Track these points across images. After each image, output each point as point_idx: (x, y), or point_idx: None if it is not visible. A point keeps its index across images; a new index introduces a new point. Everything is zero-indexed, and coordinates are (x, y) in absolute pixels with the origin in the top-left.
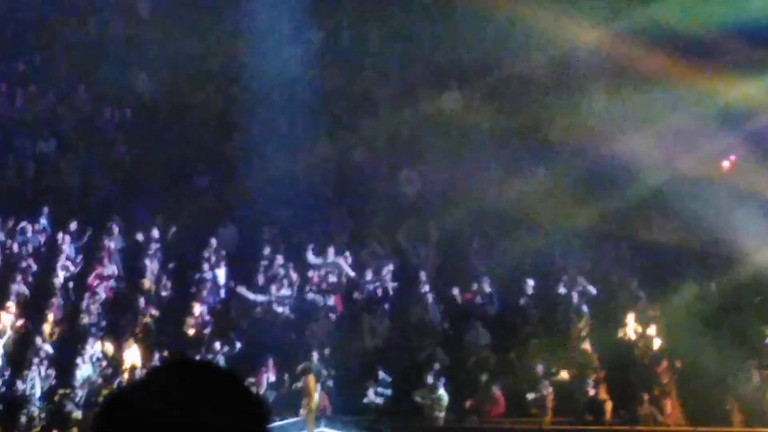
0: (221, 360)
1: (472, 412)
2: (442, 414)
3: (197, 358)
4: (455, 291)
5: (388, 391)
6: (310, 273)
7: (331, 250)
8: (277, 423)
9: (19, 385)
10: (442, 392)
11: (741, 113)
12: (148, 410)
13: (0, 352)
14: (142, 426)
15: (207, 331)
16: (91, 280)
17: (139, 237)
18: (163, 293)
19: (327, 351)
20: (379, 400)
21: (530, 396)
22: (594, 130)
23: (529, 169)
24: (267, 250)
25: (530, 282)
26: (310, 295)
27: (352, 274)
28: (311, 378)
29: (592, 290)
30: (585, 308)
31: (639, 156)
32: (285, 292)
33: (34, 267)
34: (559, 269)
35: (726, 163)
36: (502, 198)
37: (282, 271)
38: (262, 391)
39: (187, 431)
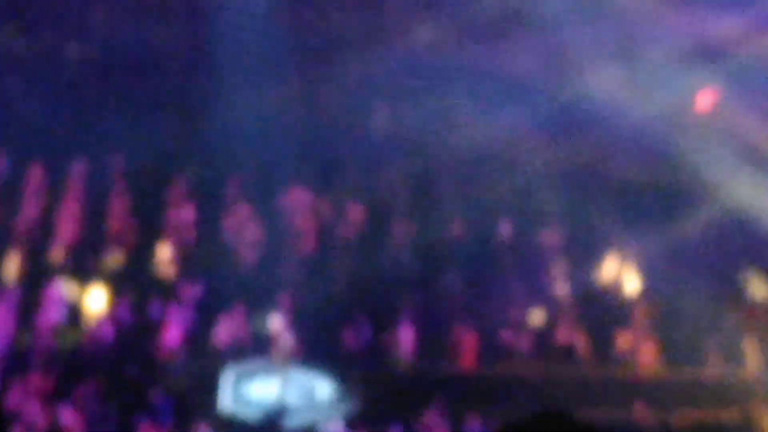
0: (189, 304)
1: (445, 357)
2: (415, 358)
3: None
4: (428, 233)
5: (359, 336)
6: (280, 215)
7: (300, 192)
8: (247, 367)
9: None
10: (411, 337)
11: (718, 47)
12: None
13: None
14: None
15: (174, 272)
16: (56, 219)
17: (104, 177)
18: (129, 234)
19: (296, 295)
20: (350, 345)
21: (504, 340)
22: (568, 66)
23: (501, 107)
24: (234, 192)
25: (504, 224)
26: (280, 238)
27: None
28: (280, 321)
29: (566, 232)
30: (560, 250)
31: (614, 93)
32: (254, 234)
33: None
34: (533, 210)
35: (704, 100)
36: (474, 138)
37: (250, 213)
38: (231, 335)
39: None
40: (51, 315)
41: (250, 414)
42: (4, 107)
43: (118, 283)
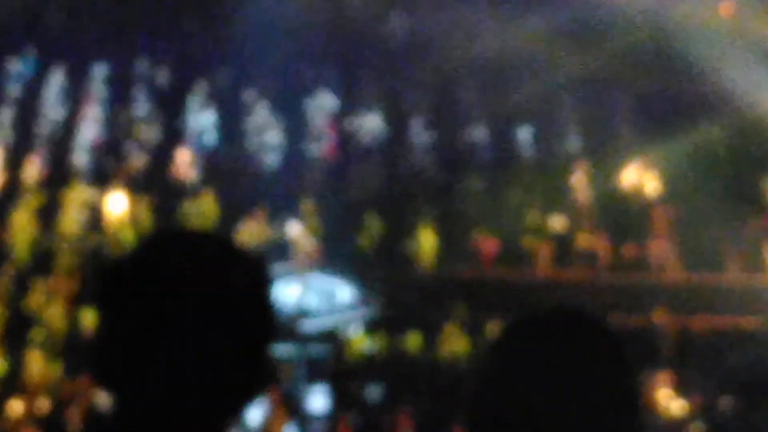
0: (211, 206)
1: (466, 261)
2: (435, 262)
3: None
4: (449, 138)
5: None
6: (301, 120)
7: (322, 96)
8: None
9: (4, 232)
10: (435, 240)
11: None
12: (144, 280)
13: None
14: (140, 296)
15: (195, 176)
16: (76, 123)
17: (126, 79)
18: (151, 138)
19: (318, 200)
20: (370, 249)
21: (525, 245)
22: None
23: (522, 14)
24: (256, 95)
25: (525, 129)
26: (301, 142)
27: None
28: (300, 226)
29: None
30: (581, 156)
31: (638, 2)
32: (275, 137)
33: (17, 110)
34: (554, 116)
35: (725, 7)
36: (494, 44)
37: (271, 117)
38: (251, 239)
39: (185, 296)
40: (72, 218)
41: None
42: (27, 11)
43: (139, 187)
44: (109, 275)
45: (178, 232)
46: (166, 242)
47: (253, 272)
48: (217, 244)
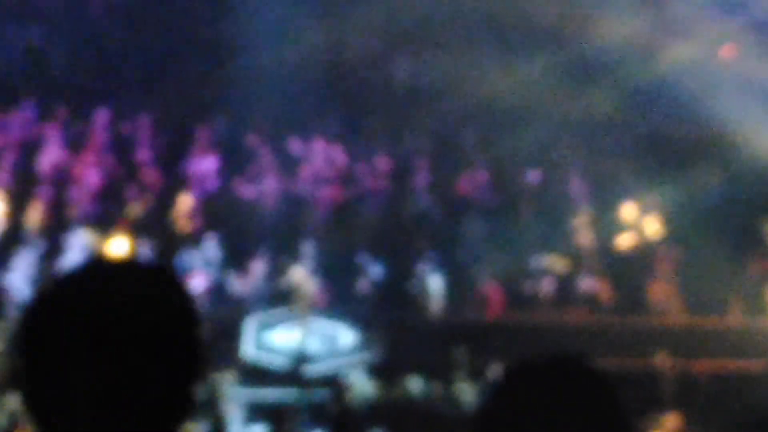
0: (211, 251)
1: (468, 305)
2: (437, 307)
3: (187, 250)
4: (450, 182)
5: (381, 283)
6: (301, 164)
7: (322, 142)
8: (269, 315)
9: (6, 276)
10: (436, 284)
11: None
12: (75, 312)
13: None
14: (69, 328)
15: (196, 222)
16: (78, 169)
17: (127, 126)
18: (152, 184)
19: (319, 244)
20: (372, 293)
21: (527, 289)
22: (591, 16)
23: (525, 57)
24: (257, 141)
25: (527, 173)
26: (302, 187)
27: (343, 165)
28: (302, 270)
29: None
30: (582, 199)
31: (637, 43)
32: (275, 183)
33: (19, 156)
34: (556, 160)
35: (726, 50)
36: (498, 87)
37: (272, 163)
38: (253, 282)
39: (114, 331)
40: (73, 263)
41: (271, 361)
42: (30, 55)
43: (140, 232)
44: (33, 310)
45: (105, 265)
46: (91, 275)
47: (180, 304)
48: (146, 276)
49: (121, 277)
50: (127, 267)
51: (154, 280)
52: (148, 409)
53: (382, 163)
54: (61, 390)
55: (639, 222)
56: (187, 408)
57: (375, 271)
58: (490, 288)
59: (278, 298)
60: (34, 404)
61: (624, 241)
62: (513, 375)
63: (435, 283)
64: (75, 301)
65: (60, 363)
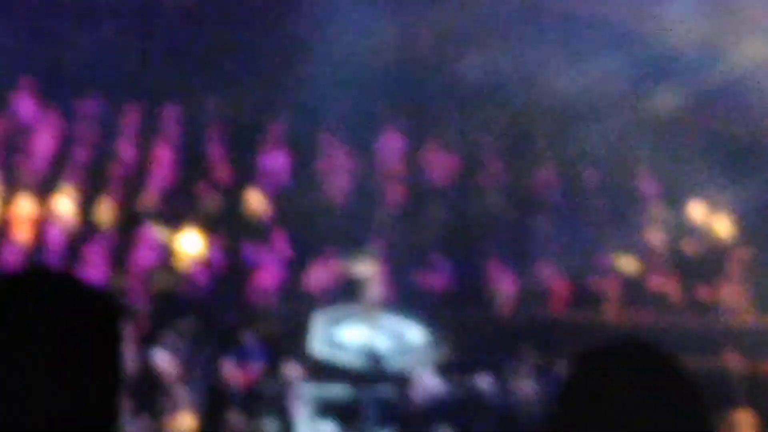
0: (282, 246)
1: (536, 303)
2: (506, 304)
3: (255, 244)
4: (520, 179)
5: (450, 280)
6: (372, 160)
7: (393, 138)
8: (338, 312)
9: (77, 271)
10: (503, 282)
11: None
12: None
13: (58, 238)
14: None
15: (267, 217)
16: (151, 163)
17: (199, 120)
18: (223, 178)
19: (388, 240)
20: (441, 290)
21: (595, 287)
22: (662, 14)
23: (597, 54)
24: (327, 137)
25: (597, 171)
26: (372, 183)
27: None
28: (372, 267)
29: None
30: (651, 198)
31: (709, 41)
32: (345, 179)
33: (91, 152)
34: (626, 158)
35: None
36: (569, 85)
37: (342, 159)
38: (322, 279)
39: (34, 340)
40: (145, 258)
41: (340, 358)
42: (101, 52)
43: (211, 227)
44: None
45: (28, 276)
46: (16, 287)
47: (103, 318)
48: (67, 288)
49: (29, 289)
50: (34, 278)
51: (74, 293)
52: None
53: (452, 160)
54: None
55: (708, 221)
56: (104, 420)
57: (444, 268)
58: (558, 286)
59: (347, 294)
60: None
61: (693, 240)
62: (589, 361)
63: (503, 281)
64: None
65: None
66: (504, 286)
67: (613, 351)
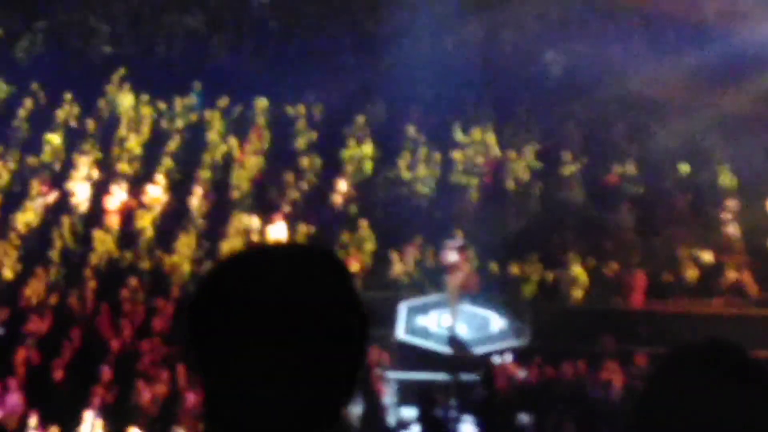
0: (367, 236)
1: (614, 293)
2: (585, 294)
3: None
4: (600, 173)
5: (532, 271)
6: (455, 153)
7: (476, 131)
8: (422, 300)
9: (167, 258)
10: (582, 273)
11: None
12: (244, 293)
13: (149, 225)
14: (238, 308)
15: (352, 206)
16: (240, 154)
17: (287, 112)
18: (310, 169)
19: (472, 230)
20: (523, 280)
21: (674, 278)
22: (745, 12)
23: (678, 51)
24: (412, 129)
25: (676, 165)
26: (455, 174)
27: (495, 154)
28: (459, 255)
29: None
30: (730, 192)
31: None
32: (429, 171)
33: (184, 142)
34: (706, 153)
35: None
36: (649, 80)
37: (427, 150)
38: (407, 267)
39: (282, 312)
40: (234, 246)
41: (423, 345)
42: (192, 43)
43: (299, 216)
44: (206, 290)
45: (269, 249)
46: (256, 259)
47: (344, 291)
48: (311, 261)
49: (286, 262)
50: (292, 252)
51: (318, 265)
52: (312, 395)
53: (533, 153)
54: (228, 376)
55: None
56: (349, 394)
57: (526, 259)
58: (636, 277)
59: (431, 283)
60: (206, 391)
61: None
62: (672, 359)
63: (582, 272)
64: (240, 286)
65: (226, 349)
66: (583, 278)
67: (696, 350)
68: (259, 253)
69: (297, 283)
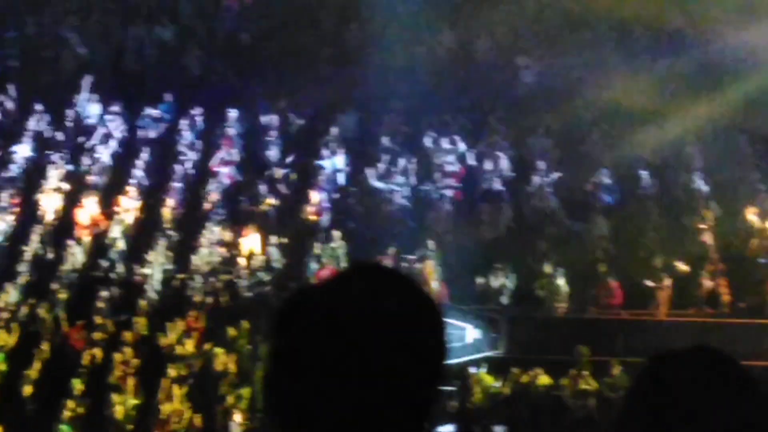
0: (340, 247)
1: (590, 303)
2: (560, 304)
3: (316, 244)
4: (574, 180)
5: (506, 281)
6: (429, 162)
7: (449, 140)
8: None
9: (139, 270)
10: (560, 282)
11: None
12: (329, 307)
13: (120, 236)
14: (323, 322)
15: (325, 218)
16: (212, 165)
17: (260, 123)
18: (283, 180)
19: (445, 240)
20: (497, 290)
21: (648, 287)
22: (716, 20)
23: (649, 60)
24: (386, 139)
25: (649, 174)
26: (429, 184)
27: (469, 164)
28: (429, 266)
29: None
30: (705, 201)
31: (761, 47)
32: (403, 180)
33: (155, 153)
34: (679, 162)
35: None
36: (623, 89)
37: (401, 160)
38: None
39: (368, 327)
40: (206, 257)
41: None
42: (163, 55)
43: (271, 227)
44: (293, 302)
45: (369, 267)
46: (355, 274)
47: (433, 314)
48: (402, 283)
49: (375, 284)
50: (380, 274)
51: (404, 289)
52: (395, 417)
53: (507, 161)
54: (308, 392)
55: (762, 226)
56: (432, 414)
57: (500, 269)
58: (612, 287)
59: None
60: (278, 406)
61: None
62: (657, 364)
63: (558, 281)
64: (328, 304)
65: (309, 366)
66: (558, 287)
67: (681, 356)
68: (349, 274)
69: (387, 307)
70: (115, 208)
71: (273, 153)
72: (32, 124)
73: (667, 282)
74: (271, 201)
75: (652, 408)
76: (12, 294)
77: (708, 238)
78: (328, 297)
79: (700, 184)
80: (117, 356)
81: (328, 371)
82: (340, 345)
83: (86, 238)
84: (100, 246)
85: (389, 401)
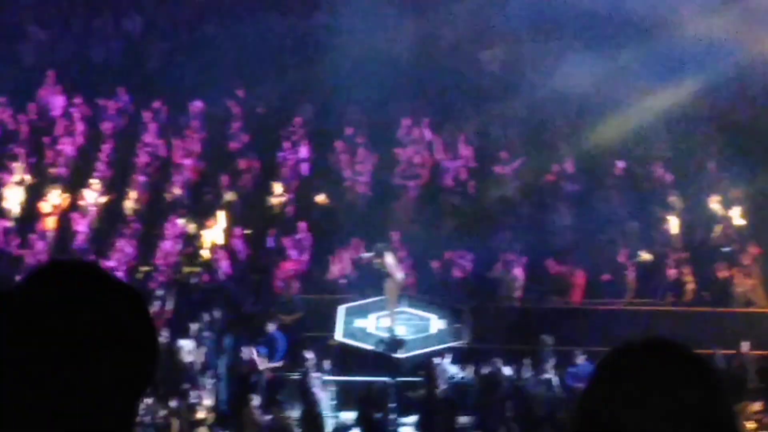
0: (305, 238)
1: (552, 292)
2: (520, 294)
3: (279, 235)
4: (538, 170)
5: (469, 270)
6: (392, 153)
7: (412, 130)
8: (360, 302)
9: (103, 262)
10: (519, 272)
11: None
12: (27, 315)
13: (86, 230)
14: (22, 331)
15: (288, 208)
16: (174, 157)
17: (222, 115)
18: (246, 171)
19: (409, 230)
20: (460, 280)
21: (611, 276)
22: (679, 9)
23: (615, 48)
24: (350, 130)
25: (615, 163)
26: (392, 175)
27: (431, 153)
28: (392, 257)
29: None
30: (668, 190)
31: (724, 36)
32: (367, 170)
33: (118, 145)
34: (644, 150)
35: None
36: (585, 78)
37: (364, 151)
38: (345, 269)
39: (67, 335)
40: (170, 249)
41: (362, 347)
42: (126, 47)
43: (235, 218)
44: None
45: (63, 267)
46: (50, 278)
47: (132, 310)
48: (97, 279)
49: (70, 286)
50: (76, 275)
51: (102, 290)
52: (89, 417)
53: (471, 151)
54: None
55: (725, 214)
56: (129, 416)
57: (462, 258)
58: (575, 275)
59: (369, 284)
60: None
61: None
62: (615, 356)
63: (520, 270)
64: (21, 309)
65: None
66: (521, 276)
67: (638, 347)
68: (42, 275)
69: (77, 303)
70: (79, 201)
71: (235, 144)
72: None
73: (632, 271)
74: (235, 192)
75: (611, 401)
76: None
77: (672, 227)
78: (22, 301)
79: (664, 173)
80: None
81: (20, 378)
82: (32, 351)
83: (50, 231)
84: (63, 238)
85: (84, 406)
